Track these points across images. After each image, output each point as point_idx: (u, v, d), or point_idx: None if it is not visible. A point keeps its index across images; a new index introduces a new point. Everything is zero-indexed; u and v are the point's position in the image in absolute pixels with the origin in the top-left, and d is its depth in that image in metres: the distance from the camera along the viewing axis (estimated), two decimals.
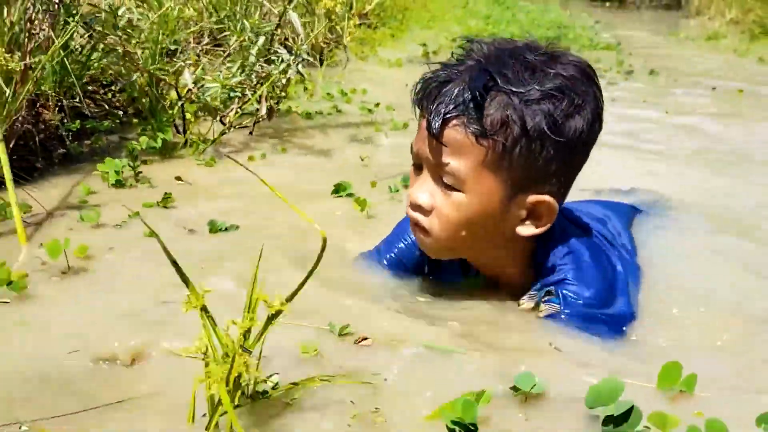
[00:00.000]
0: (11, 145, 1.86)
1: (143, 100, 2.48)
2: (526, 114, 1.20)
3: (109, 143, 2.40)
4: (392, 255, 1.51)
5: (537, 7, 10.21)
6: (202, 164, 2.26)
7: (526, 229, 1.31)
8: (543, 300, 1.34)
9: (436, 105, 1.23)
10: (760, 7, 8.40)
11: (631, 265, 1.51)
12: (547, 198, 1.27)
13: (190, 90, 2.34)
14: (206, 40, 3.14)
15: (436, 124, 1.22)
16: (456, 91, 1.22)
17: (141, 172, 2.08)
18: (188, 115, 2.42)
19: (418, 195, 1.29)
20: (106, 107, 2.59)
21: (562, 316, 1.30)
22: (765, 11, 8.13)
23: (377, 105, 3.25)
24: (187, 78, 2.25)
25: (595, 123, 1.27)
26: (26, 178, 1.95)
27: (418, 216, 1.31)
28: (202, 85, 2.34)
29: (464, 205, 1.27)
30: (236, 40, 2.47)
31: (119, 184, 2.01)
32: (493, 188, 1.26)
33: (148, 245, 1.50)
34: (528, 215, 1.30)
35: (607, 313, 1.32)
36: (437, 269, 1.49)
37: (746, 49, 6.31)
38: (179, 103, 2.37)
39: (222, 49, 2.87)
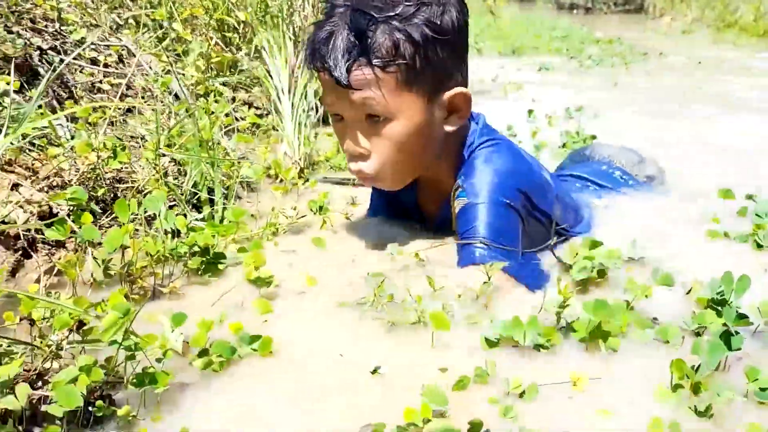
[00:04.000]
0: None
1: None
2: (410, 30, 1.29)
3: None
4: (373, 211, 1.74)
5: (510, 14, 11.56)
6: None
7: (452, 124, 1.41)
8: (455, 197, 1.41)
9: (332, 59, 1.30)
10: (714, 6, 9.87)
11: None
12: (458, 89, 1.39)
13: None
14: None
15: (342, 75, 1.29)
16: (341, 40, 1.30)
17: None
18: None
19: (353, 146, 1.38)
20: None
21: (470, 206, 1.36)
22: (721, 8, 9.59)
23: None
24: None
25: (462, 8, 1.37)
26: None
27: (360, 164, 1.40)
28: None
29: (397, 129, 1.35)
30: None
31: None
32: (415, 102, 1.34)
33: None
34: (449, 112, 1.40)
35: (513, 201, 1.36)
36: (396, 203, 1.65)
37: (719, 38, 7.76)
38: None
39: None
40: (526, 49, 6.19)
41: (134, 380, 0.97)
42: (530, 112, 3.23)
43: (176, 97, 2.49)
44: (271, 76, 2.34)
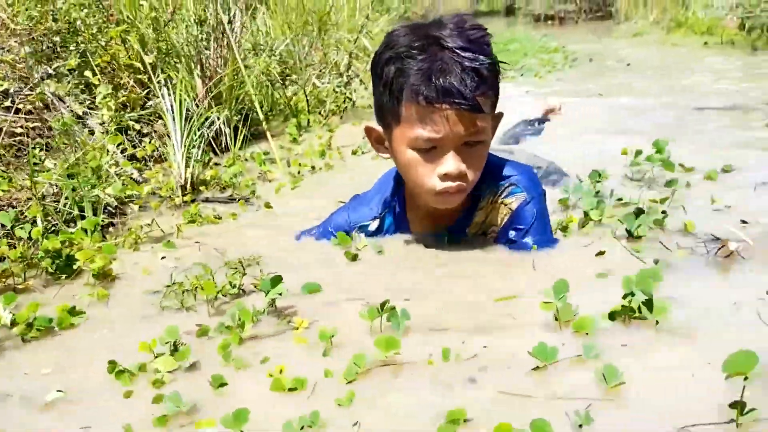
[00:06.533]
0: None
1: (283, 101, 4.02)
2: (493, 61, 1.49)
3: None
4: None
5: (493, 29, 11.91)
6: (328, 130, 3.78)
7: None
8: (504, 195, 1.61)
9: (459, 89, 1.40)
10: (674, 7, 10.19)
11: None
12: (499, 111, 1.59)
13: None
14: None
15: (475, 105, 1.42)
16: (463, 73, 1.41)
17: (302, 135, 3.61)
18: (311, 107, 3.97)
19: (460, 166, 1.47)
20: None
21: (530, 200, 1.59)
22: (677, 10, 9.91)
23: None
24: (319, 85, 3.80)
25: None
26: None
27: (459, 183, 1.49)
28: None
29: (485, 150, 1.53)
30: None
31: (294, 141, 3.52)
32: (490, 125, 1.54)
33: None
34: None
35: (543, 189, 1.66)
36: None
37: (665, 38, 8.08)
38: (306, 99, 3.91)
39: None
40: None
41: None
42: None
43: (91, 132, 2.87)
44: (167, 109, 2.70)
